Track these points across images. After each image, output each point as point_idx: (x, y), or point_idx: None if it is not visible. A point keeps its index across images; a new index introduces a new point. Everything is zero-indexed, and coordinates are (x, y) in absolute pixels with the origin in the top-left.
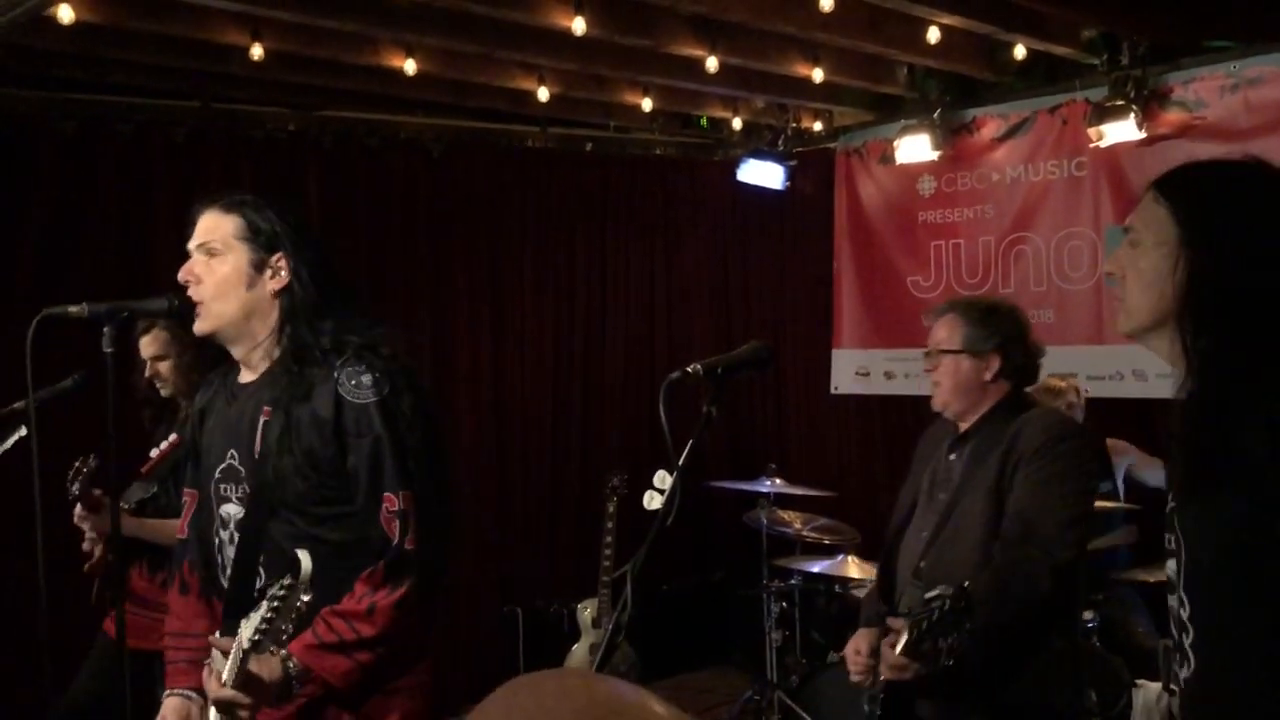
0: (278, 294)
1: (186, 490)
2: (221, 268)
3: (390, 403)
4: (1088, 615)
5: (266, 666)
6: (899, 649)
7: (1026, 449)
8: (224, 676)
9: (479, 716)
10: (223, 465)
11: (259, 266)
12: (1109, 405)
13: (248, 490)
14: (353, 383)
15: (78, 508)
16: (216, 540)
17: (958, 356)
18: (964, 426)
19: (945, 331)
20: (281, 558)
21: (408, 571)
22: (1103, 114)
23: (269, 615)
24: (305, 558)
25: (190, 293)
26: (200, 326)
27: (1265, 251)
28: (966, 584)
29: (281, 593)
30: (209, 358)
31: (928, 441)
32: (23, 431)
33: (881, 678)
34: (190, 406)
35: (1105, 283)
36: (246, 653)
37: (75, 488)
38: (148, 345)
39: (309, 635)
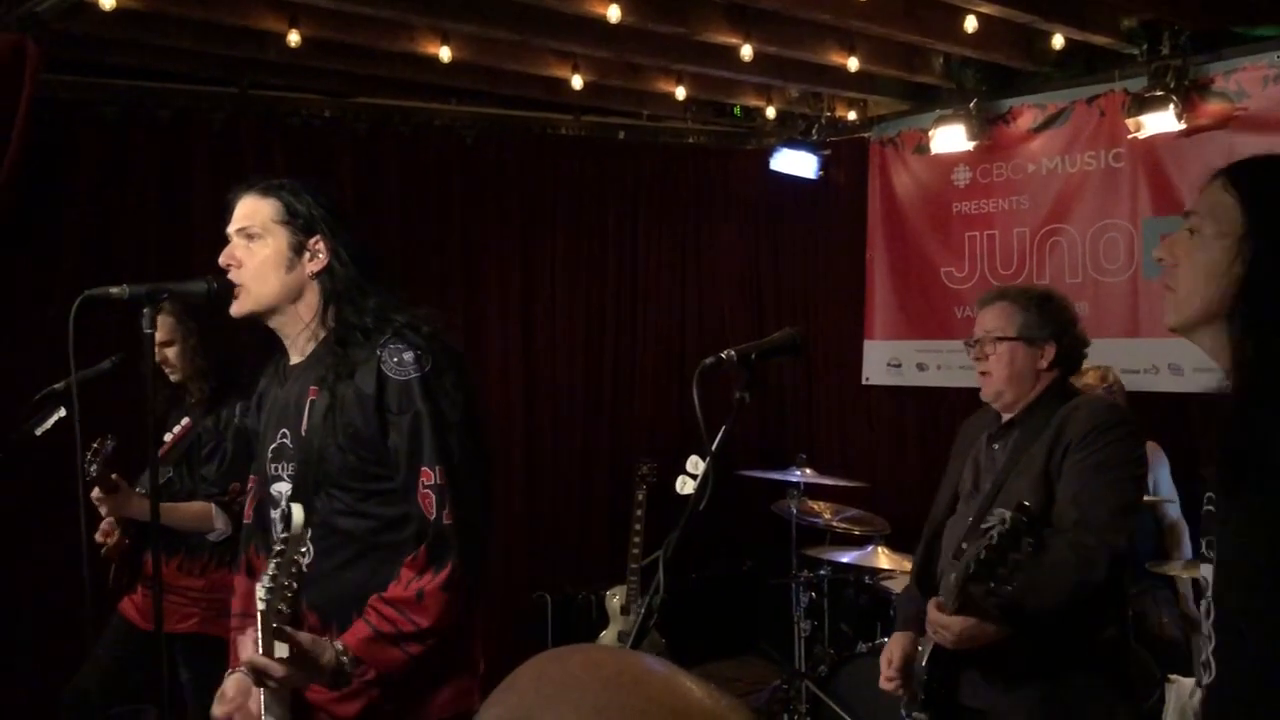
0: (317, 275)
1: (252, 475)
2: (261, 251)
3: (431, 379)
4: None
5: (319, 648)
6: (953, 595)
7: (1075, 435)
8: (258, 642)
9: (509, 686)
10: (274, 445)
11: (298, 249)
12: (1143, 400)
13: (295, 467)
14: (395, 360)
15: (95, 490)
16: (271, 519)
17: (1013, 344)
18: (1008, 416)
19: (999, 319)
20: (329, 534)
21: (448, 549)
22: (1142, 105)
23: (273, 573)
24: (298, 511)
25: (230, 276)
26: (238, 308)
27: None
28: (1026, 502)
29: (280, 548)
30: (216, 342)
31: (965, 435)
32: (62, 412)
33: (928, 643)
34: (200, 390)
35: (1147, 273)
36: (264, 614)
37: (92, 469)
38: (158, 329)
39: (363, 626)
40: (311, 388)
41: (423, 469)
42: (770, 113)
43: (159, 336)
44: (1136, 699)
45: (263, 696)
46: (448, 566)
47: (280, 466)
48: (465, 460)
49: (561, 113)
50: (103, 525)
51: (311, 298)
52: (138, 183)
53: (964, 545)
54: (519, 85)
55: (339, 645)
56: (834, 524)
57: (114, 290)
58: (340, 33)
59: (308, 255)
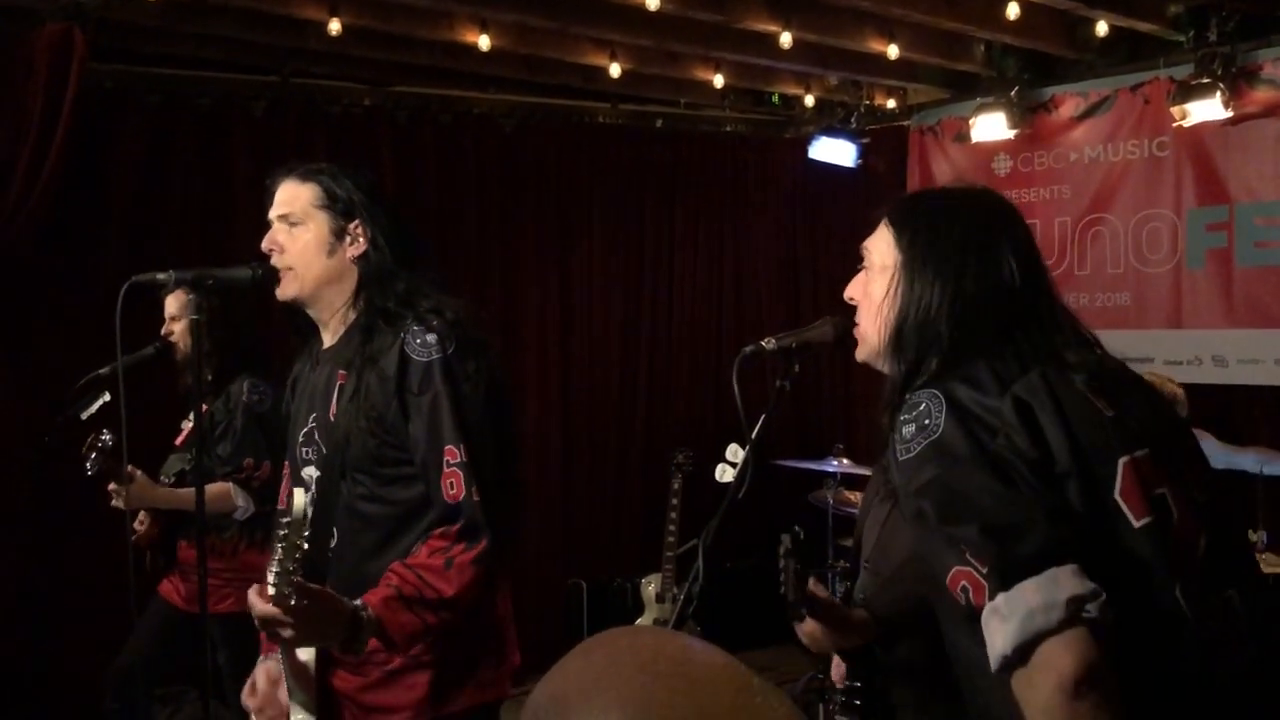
0: (356, 260)
1: (285, 460)
2: (304, 235)
3: (453, 360)
4: None
5: (334, 599)
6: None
7: None
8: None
9: (560, 667)
10: (305, 429)
11: (339, 234)
12: (1186, 391)
13: (323, 451)
14: (418, 341)
15: (111, 485)
16: None
17: None
18: None
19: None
20: (353, 518)
21: (481, 527)
22: (1188, 92)
23: (279, 557)
24: (299, 496)
25: (274, 261)
26: (283, 292)
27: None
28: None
29: (283, 533)
30: (230, 325)
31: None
32: (107, 396)
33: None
34: (211, 372)
35: (1190, 263)
36: (275, 599)
37: (89, 465)
38: (169, 305)
39: (383, 587)
40: (340, 371)
41: (446, 447)
42: (809, 101)
43: (172, 310)
44: None
45: (286, 682)
46: (481, 543)
47: (310, 450)
48: (486, 442)
49: (599, 101)
50: (137, 516)
51: (349, 282)
52: (181, 170)
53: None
54: (557, 73)
55: (358, 601)
56: None
57: (160, 276)
58: (380, 21)
59: (348, 239)
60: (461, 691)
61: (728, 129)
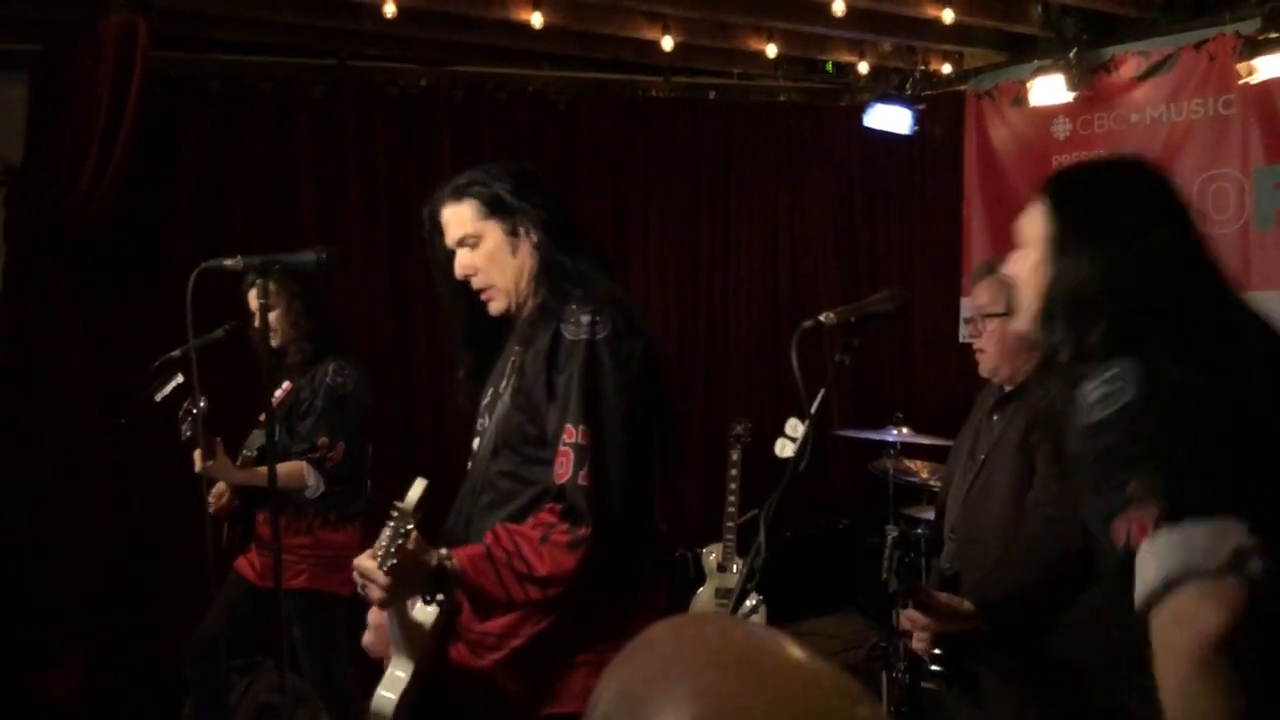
0: (534, 249)
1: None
2: (485, 250)
3: (602, 344)
4: None
5: (423, 549)
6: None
7: None
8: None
9: (628, 658)
10: (485, 401)
11: (513, 232)
12: None
13: (486, 425)
14: (573, 321)
15: (197, 454)
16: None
17: (1003, 320)
18: (1008, 388)
19: (988, 295)
20: (489, 490)
21: (582, 513)
22: (1255, 48)
23: (384, 542)
24: (417, 485)
25: (474, 284)
26: (496, 308)
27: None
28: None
29: (394, 517)
30: (320, 308)
31: (978, 403)
32: (179, 378)
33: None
34: (300, 353)
35: (1260, 223)
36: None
37: (185, 428)
38: (256, 296)
39: (479, 545)
40: (515, 349)
41: (566, 425)
42: (863, 68)
43: (260, 300)
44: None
45: (392, 634)
46: (583, 528)
47: (483, 423)
48: (612, 434)
49: (652, 75)
50: (215, 488)
51: (531, 270)
52: (244, 155)
53: (956, 522)
54: (610, 48)
55: (444, 550)
56: (930, 482)
57: (228, 262)
58: (434, 2)
59: (522, 232)
60: (567, 688)
61: (781, 99)
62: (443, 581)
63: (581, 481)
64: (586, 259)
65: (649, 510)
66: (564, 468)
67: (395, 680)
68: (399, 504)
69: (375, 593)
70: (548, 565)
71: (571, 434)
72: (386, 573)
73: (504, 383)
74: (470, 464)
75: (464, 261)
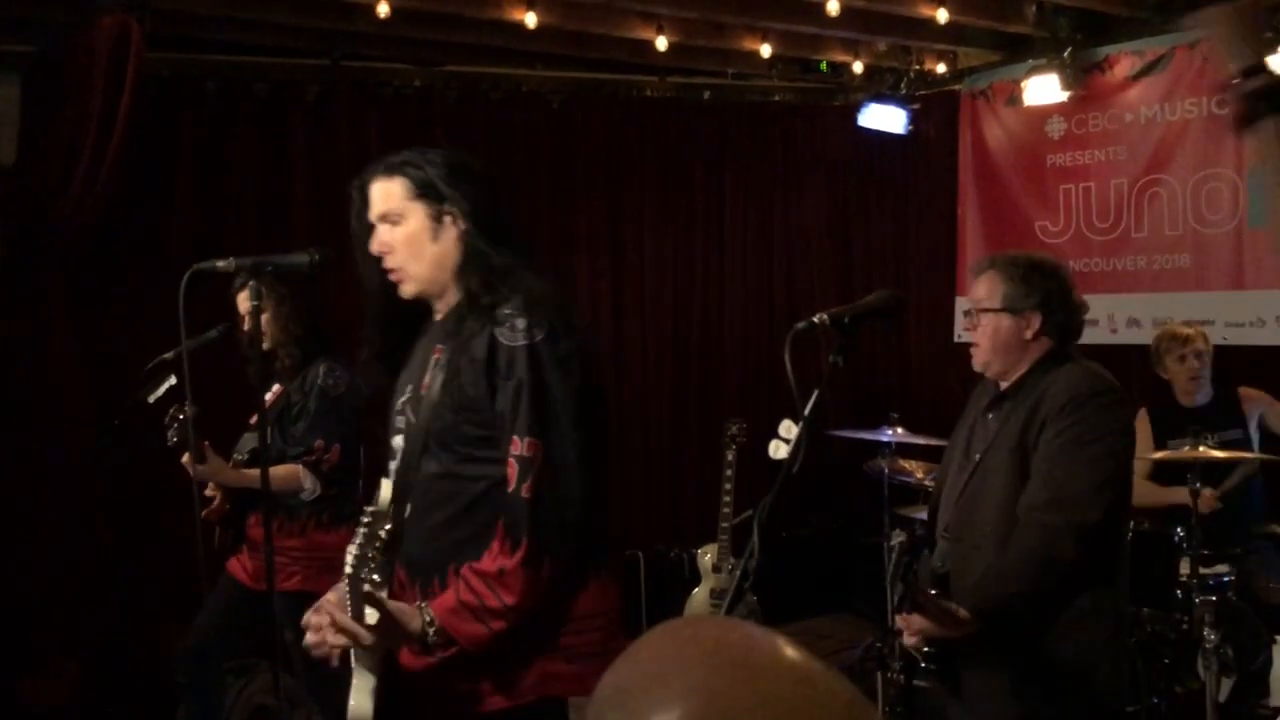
0: (457, 241)
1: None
2: (406, 230)
3: (541, 349)
4: (1223, 569)
5: (407, 616)
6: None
7: (1052, 408)
8: (347, 605)
9: (628, 657)
10: (402, 398)
11: (438, 218)
12: (1249, 353)
13: (411, 422)
14: (508, 325)
15: (186, 458)
16: (390, 470)
17: (997, 315)
18: (1004, 386)
19: (984, 290)
20: (428, 492)
21: (520, 526)
22: None
23: (360, 542)
24: (385, 487)
25: (386, 263)
26: (405, 292)
27: None
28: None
29: (367, 519)
30: (308, 311)
31: (972, 400)
32: (173, 380)
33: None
34: (289, 356)
35: (1253, 222)
36: (352, 579)
37: (171, 434)
38: (245, 300)
39: (451, 595)
40: (438, 346)
41: (513, 438)
42: (857, 68)
43: (242, 309)
44: (1240, 661)
45: (353, 652)
46: (522, 544)
47: (401, 420)
48: (563, 437)
49: (647, 74)
50: (207, 490)
51: (453, 260)
52: (239, 155)
53: (949, 522)
54: (604, 48)
55: (427, 615)
56: (926, 483)
57: (220, 263)
58: (428, 2)
59: (448, 220)
60: (521, 684)
61: (776, 98)
62: (427, 642)
63: (524, 494)
64: (513, 253)
65: (603, 504)
66: (509, 481)
67: (365, 686)
68: (372, 507)
69: (360, 650)
70: (515, 593)
71: (517, 445)
72: (370, 629)
73: (426, 378)
74: (394, 463)
75: (382, 238)
